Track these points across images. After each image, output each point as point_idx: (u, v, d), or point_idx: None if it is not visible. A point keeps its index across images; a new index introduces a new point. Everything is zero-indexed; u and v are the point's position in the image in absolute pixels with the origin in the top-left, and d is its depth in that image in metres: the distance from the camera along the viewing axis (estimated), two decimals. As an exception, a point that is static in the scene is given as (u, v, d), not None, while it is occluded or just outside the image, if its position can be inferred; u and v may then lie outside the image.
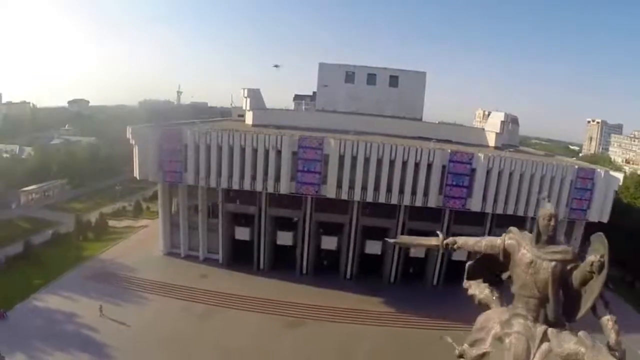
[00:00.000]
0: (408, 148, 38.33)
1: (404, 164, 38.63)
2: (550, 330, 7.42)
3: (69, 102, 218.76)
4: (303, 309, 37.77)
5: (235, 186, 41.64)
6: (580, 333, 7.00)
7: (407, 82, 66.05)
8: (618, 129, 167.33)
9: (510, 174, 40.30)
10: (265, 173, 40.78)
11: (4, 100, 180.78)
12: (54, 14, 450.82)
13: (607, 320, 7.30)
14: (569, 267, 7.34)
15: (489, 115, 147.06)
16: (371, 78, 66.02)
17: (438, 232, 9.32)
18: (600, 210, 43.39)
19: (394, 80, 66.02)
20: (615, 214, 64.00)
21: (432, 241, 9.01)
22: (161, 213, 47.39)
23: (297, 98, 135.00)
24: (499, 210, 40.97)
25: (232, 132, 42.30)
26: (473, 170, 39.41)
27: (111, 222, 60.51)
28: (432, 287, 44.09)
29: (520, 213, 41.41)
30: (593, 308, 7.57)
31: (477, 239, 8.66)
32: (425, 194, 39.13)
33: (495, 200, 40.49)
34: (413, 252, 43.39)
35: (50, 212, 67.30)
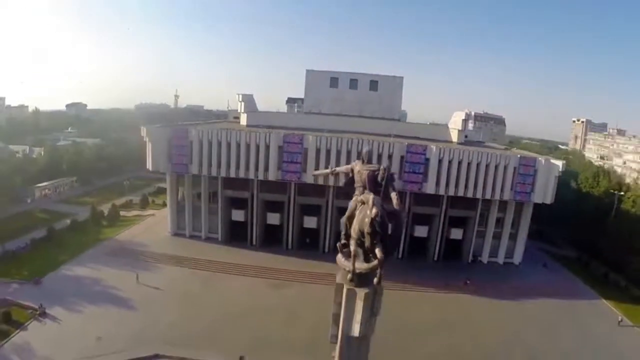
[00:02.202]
0: (371, 141, 48.27)
1: (368, 154, 48.37)
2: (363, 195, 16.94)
3: (67, 106, 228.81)
4: (288, 274, 47.42)
5: (232, 175, 51.66)
6: (366, 192, 16.39)
7: (385, 86, 75.80)
8: (603, 127, 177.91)
9: (459, 163, 50.13)
10: (257, 164, 50.79)
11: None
12: (48, 17, 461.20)
13: (392, 195, 16.81)
14: (375, 173, 16.90)
15: (470, 114, 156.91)
16: (353, 83, 75.79)
17: (330, 167, 18.99)
18: (543, 193, 52.46)
19: (374, 85, 75.82)
20: (575, 202, 74.02)
21: (327, 170, 18.65)
22: (169, 199, 57.29)
23: (290, 101, 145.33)
24: (451, 193, 50.85)
25: (229, 130, 52.33)
26: (427, 160, 49.30)
27: (121, 212, 69.98)
28: (397, 259, 53.80)
29: (470, 195, 51.33)
30: (387, 191, 17.07)
31: (342, 166, 18.42)
32: (388, 178, 48.94)
33: (447, 185, 50.36)
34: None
35: (64, 205, 76.75)
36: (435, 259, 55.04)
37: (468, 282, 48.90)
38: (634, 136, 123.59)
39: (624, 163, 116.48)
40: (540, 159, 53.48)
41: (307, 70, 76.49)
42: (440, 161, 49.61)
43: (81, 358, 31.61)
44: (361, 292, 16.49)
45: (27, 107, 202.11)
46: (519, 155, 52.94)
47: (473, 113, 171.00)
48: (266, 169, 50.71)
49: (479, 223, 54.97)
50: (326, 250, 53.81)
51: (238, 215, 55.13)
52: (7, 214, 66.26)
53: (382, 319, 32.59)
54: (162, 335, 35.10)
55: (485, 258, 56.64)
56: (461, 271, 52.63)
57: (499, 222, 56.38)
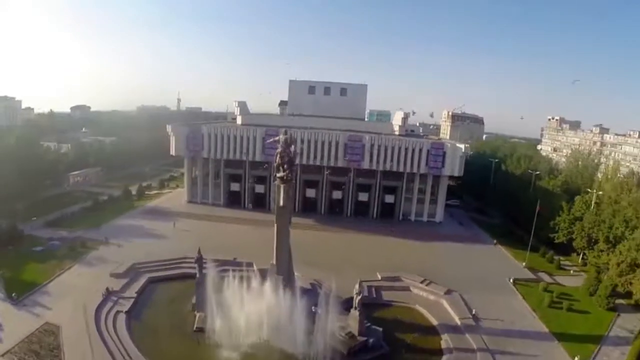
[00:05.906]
0: (323, 133, 76.61)
1: (323, 142, 77.01)
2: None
3: (72, 108, 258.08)
4: (269, 223, 74.77)
5: (231, 157, 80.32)
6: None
7: (353, 92, 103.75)
8: (576, 125, 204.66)
9: (386, 147, 78.15)
10: (248, 149, 79.22)
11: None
12: (48, 17, 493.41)
13: (292, 147, 44.85)
14: (286, 138, 44.71)
15: (448, 113, 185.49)
16: (327, 90, 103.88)
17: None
18: (451, 168, 79.70)
19: (343, 91, 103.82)
20: (502, 180, 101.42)
21: (272, 139, 46.69)
22: (186, 176, 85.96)
23: (282, 104, 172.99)
24: (381, 168, 78.91)
25: (229, 127, 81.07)
26: (363, 145, 77.46)
27: (145, 191, 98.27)
28: (346, 217, 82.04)
29: (395, 169, 79.23)
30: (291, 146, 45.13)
31: (277, 137, 46.55)
32: (336, 158, 77.48)
33: (378, 162, 78.44)
34: (335, 196, 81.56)
35: (95, 187, 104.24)
36: (374, 217, 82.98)
37: (392, 230, 76.52)
38: (582, 130, 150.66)
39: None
40: (447, 143, 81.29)
41: (290, 80, 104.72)
42: (372, 146, 77.78)
43: (136, 261, 57.88)
44: (282, 185, 44.54)
45: (32, 109, 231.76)
46: (430, 141, 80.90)
47: (450, 113, 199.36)
48: (254, 153, 79.25)
49: (405, 191, 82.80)
50: (297, 210, 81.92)
51: (235, 186, 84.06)
52: (53, 193, 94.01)
53: (329, 248, 66.30)
54: (188, 250, 61.11)
55: (412, 217, 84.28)
56: (392, 226, 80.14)
57: (422, 190, 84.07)
